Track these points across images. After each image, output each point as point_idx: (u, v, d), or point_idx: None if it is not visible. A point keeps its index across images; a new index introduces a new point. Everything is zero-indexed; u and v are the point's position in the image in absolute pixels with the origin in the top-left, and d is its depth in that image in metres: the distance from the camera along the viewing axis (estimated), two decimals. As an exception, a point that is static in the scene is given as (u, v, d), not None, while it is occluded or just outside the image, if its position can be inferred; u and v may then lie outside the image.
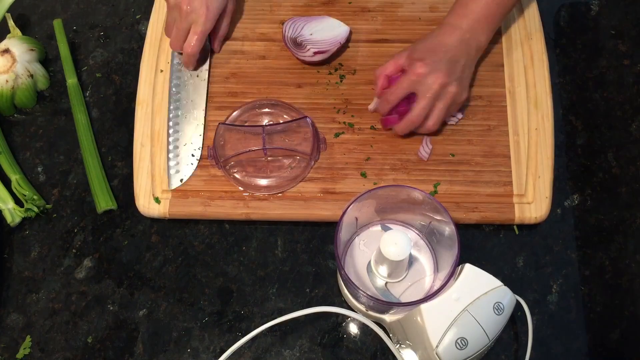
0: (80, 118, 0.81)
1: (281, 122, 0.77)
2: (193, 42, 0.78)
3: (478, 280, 0.60)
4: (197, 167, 0.77)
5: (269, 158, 0.76)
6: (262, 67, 0.82)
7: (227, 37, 0.84)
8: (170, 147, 0.78)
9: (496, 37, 0.82)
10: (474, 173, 0.76)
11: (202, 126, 0.79)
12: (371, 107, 0.79)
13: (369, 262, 0.68)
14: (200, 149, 0.78)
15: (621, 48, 0.86)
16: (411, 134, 0.77)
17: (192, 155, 0.77)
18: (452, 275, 0.61)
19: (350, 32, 0.82)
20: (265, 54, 0.83)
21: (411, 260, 0.68)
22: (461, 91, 0.74)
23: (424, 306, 0.59)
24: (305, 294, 0.73)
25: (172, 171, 0.77)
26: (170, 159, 0.77)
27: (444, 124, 0.78)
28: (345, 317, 0.72)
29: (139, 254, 0.76)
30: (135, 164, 0.77)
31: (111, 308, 0.73)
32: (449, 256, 0.64)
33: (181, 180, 0.76)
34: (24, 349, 0.71)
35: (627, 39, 0.86)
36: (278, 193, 0.75)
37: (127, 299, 0.74)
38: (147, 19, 0.85)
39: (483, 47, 0.76)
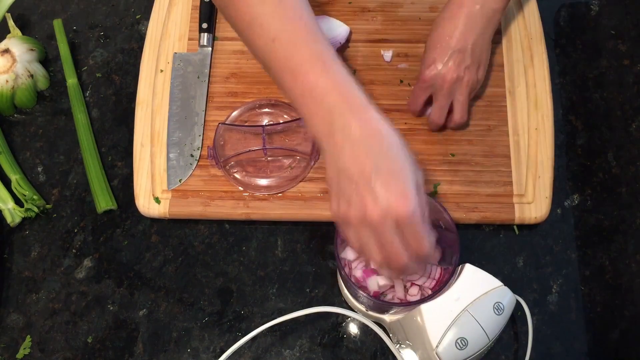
0: (80, 118, 0.81)
1: (281, 122, 0.77)
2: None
3: (478, 280, 0.60)
4: (196, 167, 0.77)
5: (269, 158, 0.76)
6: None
7: (228, 38, 0.84)
8: (170, 147, 0.78)
9: (496, 37, 0.82)
10: (474, 173, 0.76)
11: (202, 126, 0.79)
12: None
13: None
14: (200, 149, 0.78)
15: (621, 48, 0.86)
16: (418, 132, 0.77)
17: (192, 156, 0.77)
18: (452, 275, 0.61)
19: (350, 32, 0.82)
20: (265, 54, 0.83)
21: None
22: (475, 74, 0.72)
23: (424, 306, 0.59)
24: (305, 294, 0.73)
25: (171, 171, 0.77)
26: (170, 159, 0.77)
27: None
28: (345, 317, 0.72)
29: (139, 254, 0.76)
30: (135, 164, 0.77)
31: (111, 308, 0.73)
32: (449, 256, 0.64)
33: (180, 181, 0.76)
34: (24, 349, 0.71)
35: (627, 39, 0.86)
36: (278, 193, 0.75)
37: (127, 299, 0.74)
38: (147, 19, 0.85)
39: (499, 11, 0.71)
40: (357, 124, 0.53)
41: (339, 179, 0.54)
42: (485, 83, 0.80)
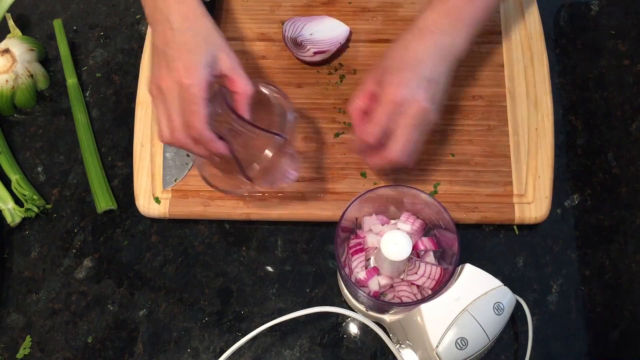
0: (80, 118, 0.81)
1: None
2: (197, 124, 0.59)
3: (478, 280, 0.60)
4: (192, 166, 0.77)
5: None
6: (262, 67, 0.82)
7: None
8: (166, 146, 0.78)
9: (496, 37, 0.82)
10: (474, 173, 0.76)
11: (202, 126, 0.79)
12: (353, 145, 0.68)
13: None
14: (200, 149, 0.78)
15: (621, 48, 0.86)
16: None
17: (188, 155, 0.77)
18: (452, 275, 0.61)
19: (350, 32, 0.82)
20: (265, 54, 0.83)
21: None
22: (437, 115, 0.63)
23: (424, 306, 0.59)
24: (305, 294, 0.73)
25: (166, 170, 0.77)
26: (166, 158, 0.77)
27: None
28: (345, 317, 0.72)
29: (139, 254, 0.76)
30: (135, 164, 0.77)
31: (111, 308, 0.73)
32: (449, 256, 0.64)
33: (175, 180, 0.76)
34: (24, 349, 0.71)
35: (627, 39, 0.86)
36: (278, 193, 0.75)
37: (127, 299, 0.74)
38: (147, 19, 0.85)
39: (462, 54, 0.65)
40: (181, 8, 0.61)
41: (157, 56, 0.61)
42: (486, 83, 0.80)
